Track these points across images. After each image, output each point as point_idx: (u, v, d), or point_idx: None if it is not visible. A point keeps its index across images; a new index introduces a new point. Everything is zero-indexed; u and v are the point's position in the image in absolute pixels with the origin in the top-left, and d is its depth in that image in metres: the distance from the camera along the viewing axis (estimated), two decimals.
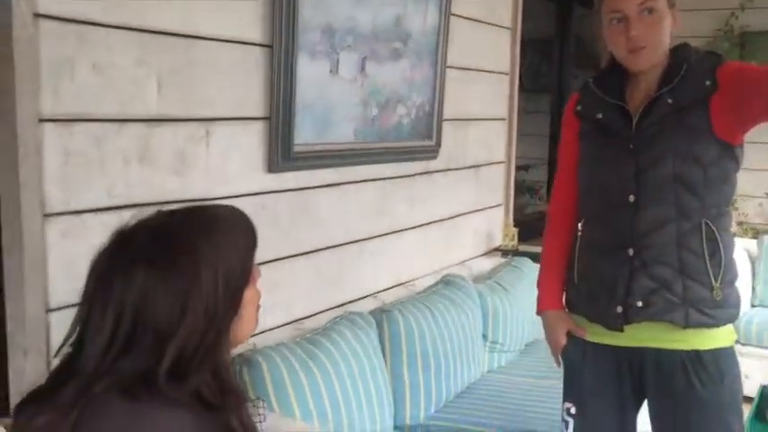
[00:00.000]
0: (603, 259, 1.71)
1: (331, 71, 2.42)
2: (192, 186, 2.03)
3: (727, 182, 1.67)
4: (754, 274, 3.92)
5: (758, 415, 2.63)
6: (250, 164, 2.21)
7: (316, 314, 2.48)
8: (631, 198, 1.65)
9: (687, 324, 1.64)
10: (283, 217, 2.32)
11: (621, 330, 1.68)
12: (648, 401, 1.76)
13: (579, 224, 1.81)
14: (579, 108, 1.82)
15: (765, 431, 2.56)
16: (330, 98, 2.44)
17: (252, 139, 2.21)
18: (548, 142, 5.75)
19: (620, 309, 1.67)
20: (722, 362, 1.65)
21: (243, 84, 2.16)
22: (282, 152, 2.27)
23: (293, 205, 2.37)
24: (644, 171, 1.64)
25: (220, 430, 1.08)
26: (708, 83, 1.62)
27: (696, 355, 1.65)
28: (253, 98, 2.20)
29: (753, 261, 3.96)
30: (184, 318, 1.00)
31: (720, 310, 1.65)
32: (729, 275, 1.66)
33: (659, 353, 1.67)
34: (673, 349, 1.66)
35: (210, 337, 1.03)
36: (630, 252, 1.66)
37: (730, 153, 1.64)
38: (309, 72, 2.32)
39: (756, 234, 4.99)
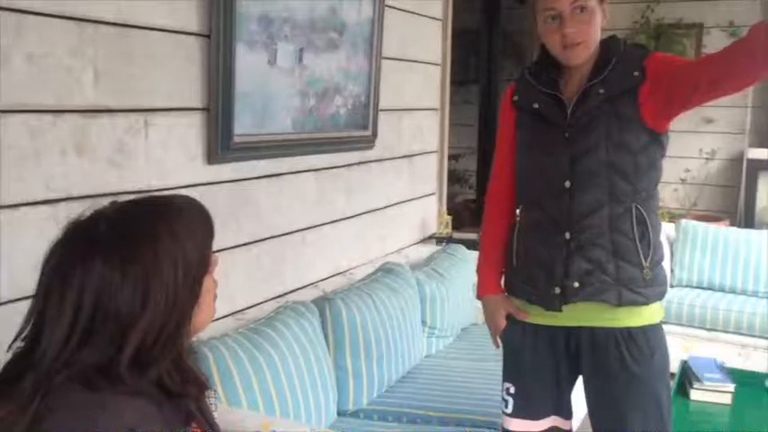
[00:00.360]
0: (542, 243, 1.78)
1: (269, 61, 2.42)
2: (131, 178, 2.00)
3: (655, 167, 1.76)
4: (672, 257, 4.12)
5: (680, 390, 2.79)
6: (189, 155, 2.20)
7: (257, 304, 2.49)
8: (567, 184, 1.73)
9: (620, 303, 1.72)
10: (223, 208, 2.31)
11: (560, 311, 1.76)
12: (584, 379, 1.85)
13: (517, 210, 1.88)
14: (516, 98, 1.87)
15: (687, 404, 2.70)
16: (268, 89, 2.44)
17: (191, 130, 2.20)
18: (477, 132, 5.88)
19: (558, 290, 1.75)
20: (652, 337, 1.75)
21: (181, 74, 2.14)
22: (222, 143, 2.26)
23: (233, 196, 2.36)
24: (579, 158, 1.72)
25: (182, 418, 1.09)
26: (636, 74, 1.70)
27: (628, 333, 1.73)
28: (191, 89, 2.18)
29: (671, 244, 4.16)
30: (146, 307, 1.00)
31: (650, 288, 1.74)
32: (657, 256, 1.76)
33: (594, 331, 1.76)
34: (607, 327, 1.74)
35: (171, 326, 1.04)
36: (567, 235, 1.73)
37: (657, 140, 1.74)
38: (248, 62, 2.31)
39: (673, 218, 5.25)
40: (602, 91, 1.71)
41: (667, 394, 1.81)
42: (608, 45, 1.78)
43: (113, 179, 1.95)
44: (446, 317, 3.00)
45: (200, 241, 1.10)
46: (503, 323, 1.91)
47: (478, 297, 1.99)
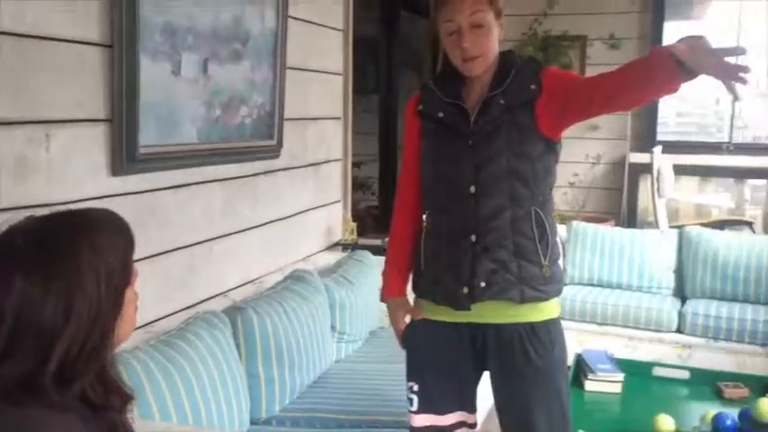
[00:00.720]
0: (449, 246, 1.88)
1: (173, 72, 2.41)
2: (34, 191, 1.95)
3: (550, 173, 1.90)
4: (565, 257, 4.35)
5: (575, 381, 2.96)
6: (93, 167, 2.16)
7: (167, 316, 2.46)
8: (472, 189, 1.83)
9: (523, 300, 1.83)
10: (129, 220, 2.26)
11: (469, 309, 1.86)
12: (490, 375, 1.96)
13: (424, 215, 1.96)
14: (421, 107, 1.96)
15: (582, 395, 2.88)
16: (173, 99, 2.42)
17: (94, 142, 2.16)
18: (378, 140, 5.98)
19: (465, 290, 1.84)
20: (553, 331, 1.89)
21: (83, 85, 2.10)
22: (127, 154, 2.24)
23: (139, 208, 2.34)
24: (483, 165, 1.83)
25: (105, 431, 1.10)
26: (533, 86, 1.82)
27: (531, 327, 1.85)
28: (94, 100, 2.14)
29: (563, 245, 4.39)
30: (69, 320, 1.01)
31: (549, 285, 1.87)
32: (555, 255, 1.89)
33: (499, 328, 1.87)
34: (511, 323, 1.86)
35: (95, 338, 1.04)
36: (473, 238, 1.83)
37: (552, 148, 1.88)
38: (152, 73, 2.29)
39: (564, 220, 5.54)
40: (502, 101, 1.83)
41: (567, 385, 1.95)
42: (506, 57, 1.91)
43: (15, 192, 1.89)
44: (355, 322, 3.07)
45: (121, 253, 1.11)
46: (403, 324, 1.99)
47: (383, 300, 2.07)
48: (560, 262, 1.93)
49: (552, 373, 1.88)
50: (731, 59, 1.46)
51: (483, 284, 1.83)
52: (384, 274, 2.07)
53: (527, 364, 1.85)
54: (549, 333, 1.87)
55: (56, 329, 1.00)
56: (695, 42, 1.50)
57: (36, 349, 1.00)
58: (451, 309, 1.88)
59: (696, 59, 1.48)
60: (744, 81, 1.43)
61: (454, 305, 1.87)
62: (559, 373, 1.90)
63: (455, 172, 1.86)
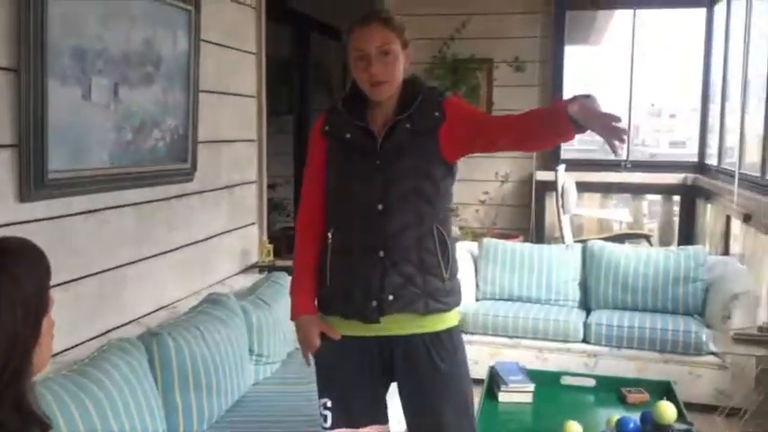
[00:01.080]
0: (358, 261, 1.95)
1: (83, 96, 2.38)
2: None
3: (449, 193, 2.04)
4: (477, 272, 4.48)
5: (489, 393, 3.06)
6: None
7: (78, 345, 2.41)
8: (380, 207, 1.92)
9: (427, 312, 1.95)
10: None
11: (378, 323, 1.94)
12: (398, 383, 2.04)
13: (329, 233, 2.02)
14: (328, 128, 2.03)
15: (496, 406, 2.98)
16: (84, 124, 2.39)
17: (1, 168, 2.10)
18: (292, 161, 6.01)
19: (374, 303, 1.93)
20: (455, 338, 2.02)
21: None
22: (35, 180, 2.19)
23: (49, 234, 2.28)
24: (390, 184, 1.93)
25: None
26: (437, 114, 1.95)
27: (436, 336, 1.97)
28: (0, 125, 2.09)
29: (475, 261, 4.53)
30: None
31: (450, 297, 2.00)
32: (455, 269, 2.03)
33: (406, 338, 1.97)
34: (417, 333, 1.97)
35: (13, 368, 1.04)
36: (381, 253, 1.93)
37: (451, 171, 2.01)
38: (61, 97, 2.26)
39: (476, 237, 5.70)
40: (408, 126, 1.94)
41: (471, 389, 2.07)
42: (411, 84, 2.02)
43: None
44: (272, 344, 3.07)
45: (38, 282, 1.11)
46: (317, 342, 2.03)
47: (293, 319, 2.09)
48: (458, 276, 2.06)
49: (458, 375, 2.00)
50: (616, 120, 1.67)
51: (391, 298, 1.93)
52: (292, 292, 2.10)
53: (434, 369, 1.96)
54: (451, 340, 2.00)
55: None
56: (587, 102, 1.70)
57: None
58: (361, 323, 1.96)
59: (587, 118, 1.69)
60: (622, 141, 1.65)
61: (364, 319, 1.95)
62: (464, 374, 2.04)
63: (363, 191, 1.94)
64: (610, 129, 1.65)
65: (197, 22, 3.03)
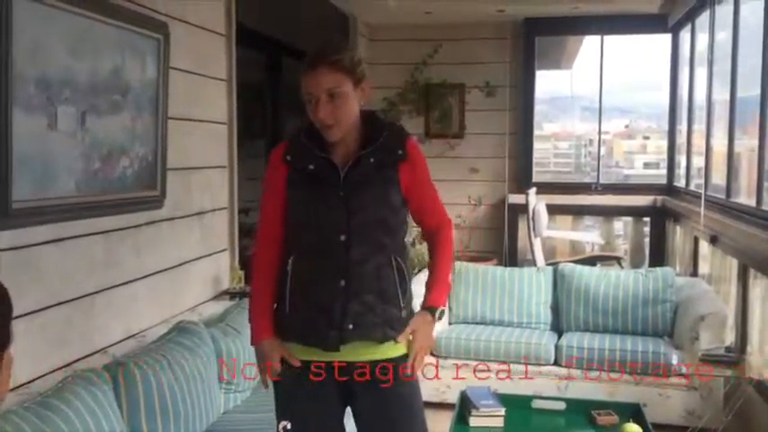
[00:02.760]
0: (319, 290, 1.98)
1: (49, 125, 2.37)
2: None
3: (405, 224, 2.09)
4: (450, 296, 4.50)
5: (460, 419, 3.07)
6: None
7: (42, 376, 2.37)
8: (342, 237, 1.96)
9: (384, 339, 2.00)
10: (2, 278, 2.19)
11: (338, 350, 1.98)
12: (354, 407, 2.08)
13: (289, 260, 2.03)
14: (289, 158, 2.04)
15: (467, 431, 2.99)
16: (49, 153, 2.38)
17: None
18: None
19: (336, 332, 1.96)
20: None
21: None
22: None
23: (13, 265, 2.26)
24: (353, 215, 1.96)
25: None
26: (400, 152, 2.02)
27: (390, 362, 2.01)
28: None
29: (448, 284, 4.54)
30: None
31: (405, 326, 2.04)
32: (410, 297, 2.08)
33: (362, 364, 2.01)
34: (374, 360, 2.01)
35: None
36: (342, 283, 1.96)
37: (405, 202, 2.06)
38: (25, 127, 2.25)
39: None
40: (372, 160, 1.99)
41: (422, 405, 2.12)
42: (371, 118, 2.07)
43: None
44: (241, 371, 3.04)
45: None
46: (278, 366, 2.04)
47: (254, 344, 2.10)
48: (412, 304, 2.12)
49: (412, 395, 2.07)
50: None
51: (351, 326, 1.96)
52: (251, 318, 2.11)
53: (389, 393, 2.01)
54: (403, 366, 2.04)
55: None
56: (430, 327, 2.08)
57: None
58: (321, 350, 1.98)
59: (420, 333, 2.05)
60: (414, 369, 2.02)
61: (325, 347, 1.98)
62: (418, 395, 2.09)
63: (327, 221, 1.97)
64: (421, 351, 2.03)
65: (166, 50, 3.04)
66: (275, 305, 2.07)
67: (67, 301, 2.52)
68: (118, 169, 2.78)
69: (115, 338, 2.80)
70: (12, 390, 2.22)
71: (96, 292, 2.68)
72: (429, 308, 2.07)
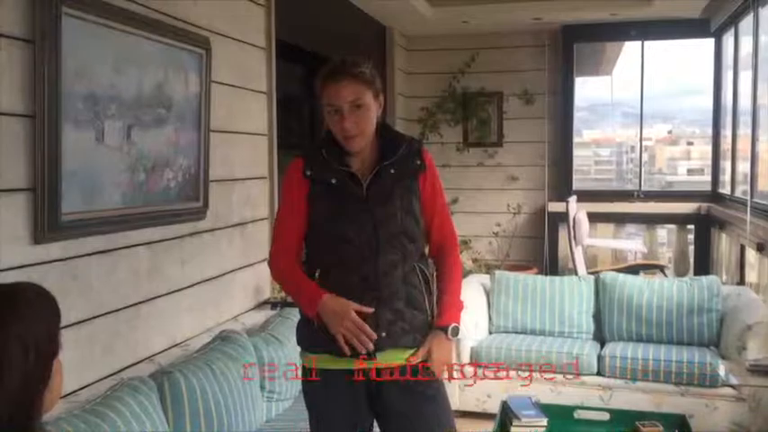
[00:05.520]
0: (352, 301, 1.98)
1: (97, 139, 2.44)
2: None
3: (423, 232, 2.13)
4: (489, 305, 4.48)
5: (501, 428, 3.04)
6: (14, 236, 2.15)
7: (90, 384, 2.43)
8: (371, 248, 2.00)
9: (413, 345, 2.06)
10: (52, 288, 2.24)
11: (375, 359, 2.01)
12: (383, 414, 2.10)
13: (315, 275, 2.05)
14: (309, 173, 2.06)
15: None
16: (97, 166, 2.45)
17: (15, 211, 2.15)
18: None
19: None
20: None
21: (3, 155, 2.10)
22: (49, 222, 2.23)
23: (62, 275, 2.32)
24: (380, 225, 2.00)
25: None
26: (418, 162, 2.09)
27: (421, 366, 2.06)
28: (15, 169, 2.15)
29: (488, 293, 4.53)
30: None
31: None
32: (435, 303, 2.12)
33: (394, 370, 2.04)
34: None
35: (24, 407, 1.07)
36: (374, 293, 2.00)
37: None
38: (75, 141, 2.32)
39: (489, 269, 5.70)
40: (393, 171, 2.05)
41: (449, 404, 2.17)
42: (387, 130, 2.13)
43: None
44: (284, 380, 3.07)
45: (48, 325, 1.15)
46: (352, 310, 1.96)
47: (316, 303, 1.99)
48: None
49: (442, 397, 2.11)
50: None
51: (384, 334, 2.00)
52: (300, 291, 2.06)
53: (422, 395, 2.05)
54: (429, 369, 2.07)
55: None
56: (449, 344, 2.11)
57: None
58: (355, 359, 2.00)
59: (438, 351, 2.07)
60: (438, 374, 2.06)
61: (358, 356, 1.99)
62: (445, 397, 2.14)
63: (355, 232, 2.00)
64: (439, 368, 2.06)
65: (208, 64, 3.10)
66: (300, 318, 2.11)
67: (114, 311, 2.58)
68: (162, 181, 2.84)
69: (160, 347, 2.86)
70: (62, 397, 2.28)
71: (141, 302, 2.74)
72: (441, 327, 2.08)
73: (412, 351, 2.06)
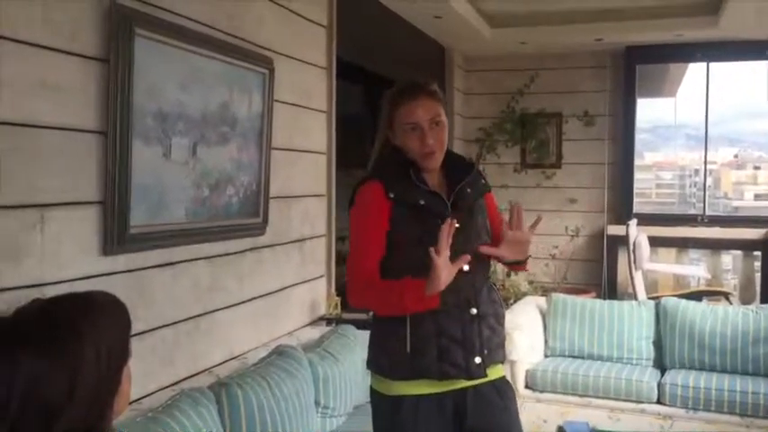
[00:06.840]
0: (452, 321, 1.98)
1: (164, 155, 2.52)
2: (26, 273, 2.02)
3: None
4: (545, 328, 4.41)
5: None
6: (84, 248, 2.23)
7: (151, 394, 2.49)
8: (467, 267, 1.92)
9: (503, 360, 2.12)
10: None
11: (486, 376, 2.02)
12: (467, 423, 2.04)
13: None
14: (393, 195, 2.00)
15: None
16: (164, 181, 2.53)
17: (86, 224, 2.24)
18: None
19: (479, 359, 2.00)
20: (509, 383, 2.16)
21: (77, 169, 2.20)
22: (118, 235, 2.32)
23: (128, 287, 2.40)
24: (468, 243, 1.98)
25: None
26: (484, 182, 2.16)
27: (501, 380, 2.10)
28: (87, 183, 2.24)
29: (543, 316, 4.46)
30: (72, 398, 1.07)
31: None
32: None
33: (477, 388, 2.03)
34: (487, 381, 2.05)
35: (94, 415, 1.11)
36: (474, 311, 2.01)
37: None
38: (143, 157, 2.40)
39: (545, 292, 5.62)
40: (469, 190, 2.07)
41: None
42: (451, 153, 2.14)
43: (9, 274, 1.96)
44: (339, 396, 3.09)
45: (120, 331, 1.19)
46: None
47: (428, 284, 1.83)
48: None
49: (517, 416, 2.13)
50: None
51: (487, 351, 2.03)
52: (404, 289, 1.88)
53: (504, 409, 2.07)
54: (509, 384, 2.15)
55: (60, 408, 1.06)
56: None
57: (39, 427, 1.05)
58: (464, 380, 1.99)
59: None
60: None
61: (470, 376, 2.00)
62: (517, 409, 2.15)
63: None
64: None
65: (271, 84, 3.18)
66: (386, 344, 2.02)
67: (175, 323, 2.65)
68: (224, 197, 2.91)
69: (218, 360, 2.91)
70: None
71: (201, 315, 2.80)
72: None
73: (497, 367, 2.10)
